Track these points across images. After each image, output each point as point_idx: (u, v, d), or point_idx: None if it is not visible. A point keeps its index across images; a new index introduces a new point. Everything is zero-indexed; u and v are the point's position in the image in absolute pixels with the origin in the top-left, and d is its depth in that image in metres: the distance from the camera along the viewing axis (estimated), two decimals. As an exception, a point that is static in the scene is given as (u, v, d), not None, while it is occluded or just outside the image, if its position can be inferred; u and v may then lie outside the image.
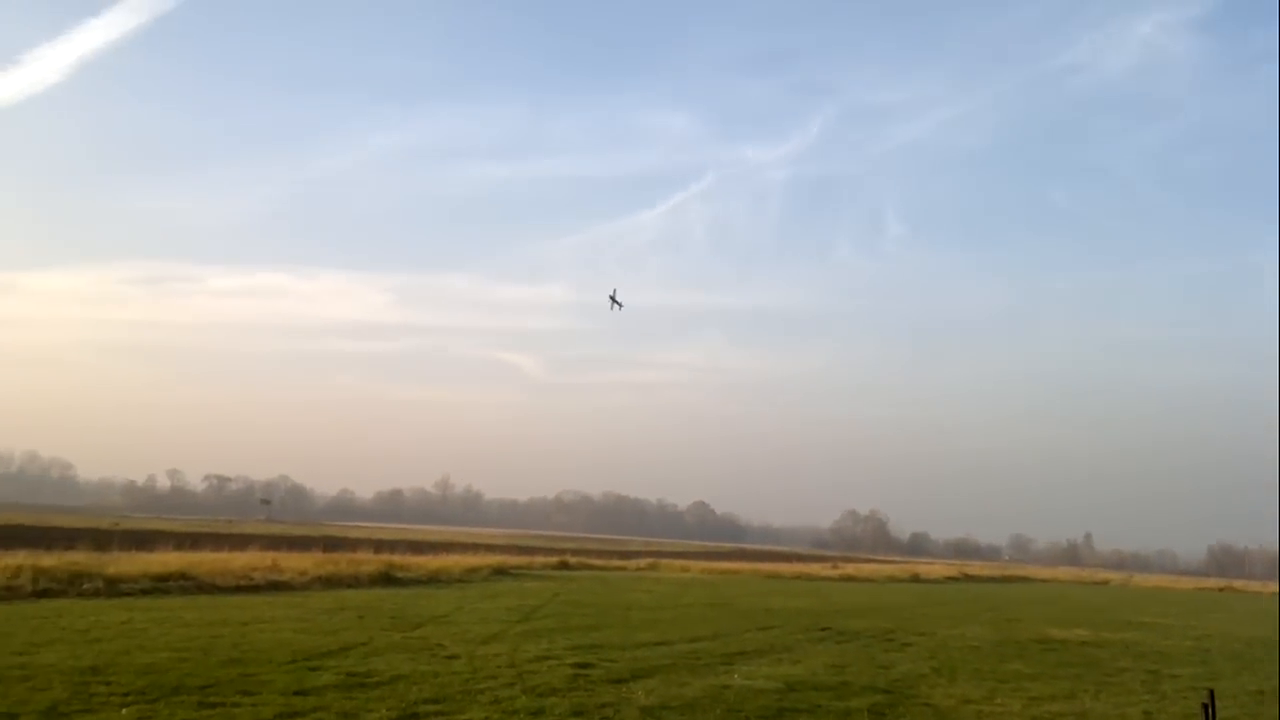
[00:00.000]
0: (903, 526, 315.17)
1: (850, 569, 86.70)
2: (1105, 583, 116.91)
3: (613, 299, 51.77)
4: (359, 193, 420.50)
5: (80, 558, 34.09)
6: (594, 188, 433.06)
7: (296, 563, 40.14)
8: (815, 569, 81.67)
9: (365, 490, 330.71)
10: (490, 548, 72.56)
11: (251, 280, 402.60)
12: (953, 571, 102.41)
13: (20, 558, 31.66)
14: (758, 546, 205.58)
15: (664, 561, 74.85)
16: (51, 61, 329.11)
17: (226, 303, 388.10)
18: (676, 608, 36.69)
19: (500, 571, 51.15)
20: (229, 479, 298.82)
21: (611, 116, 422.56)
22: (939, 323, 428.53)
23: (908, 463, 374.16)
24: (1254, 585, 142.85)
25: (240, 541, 54.25)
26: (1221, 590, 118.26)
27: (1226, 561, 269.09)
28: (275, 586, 35.14)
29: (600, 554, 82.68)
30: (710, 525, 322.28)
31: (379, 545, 57.83)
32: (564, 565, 60.65)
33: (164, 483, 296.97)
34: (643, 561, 73.29)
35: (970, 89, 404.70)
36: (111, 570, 31.84)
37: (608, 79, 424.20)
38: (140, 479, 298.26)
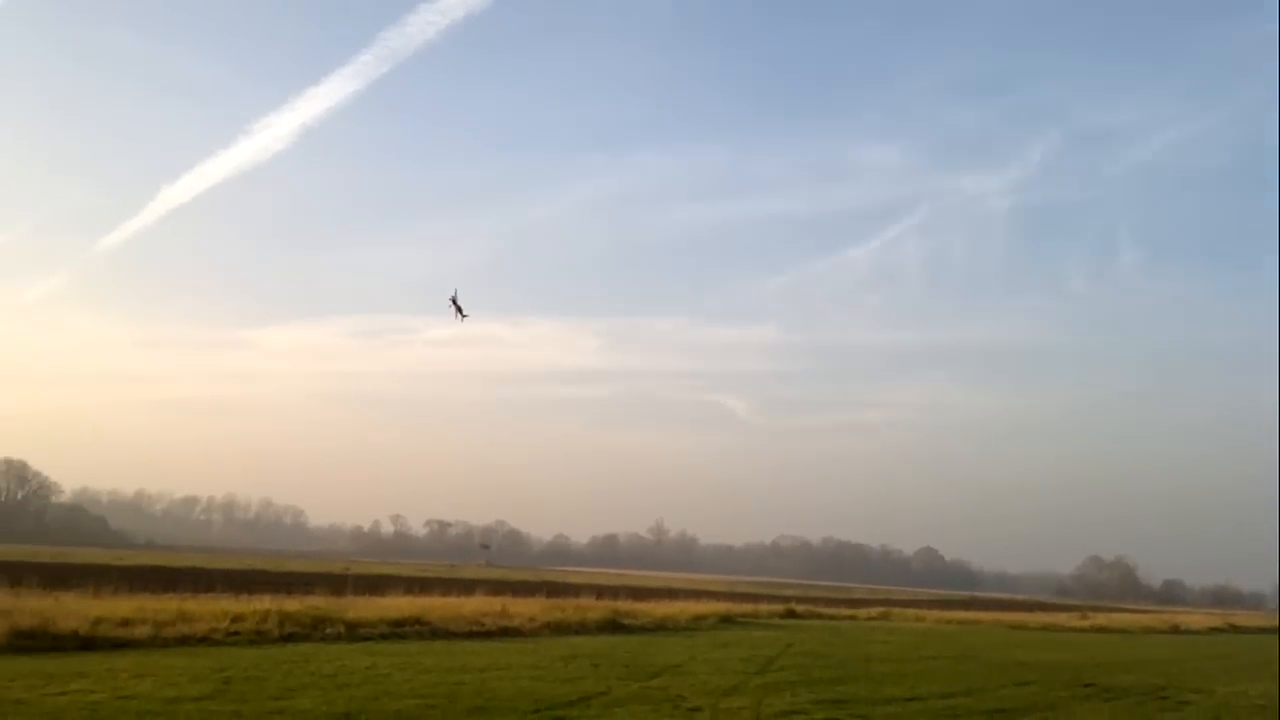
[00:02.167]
0: (1153, 573, 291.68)
1: (1101, 619, 80.00)
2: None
3: (454, 304, 44.85)
4: (568, 240, 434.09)
5: (320, 602, 35.05)
6: (802, 225, 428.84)
7: (524, 609, 40.05)
8: (1062, 619, 75.82)
9: (580, 535, 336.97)
10: (712, 594, 71.15)
11: (466, 330, 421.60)
12: (1217, 621, 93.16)
13: (266, 603, 32.78)
14: (993, 595, 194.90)
15: (896, 610, 71.20)
16: (278, 130, 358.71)
17: (443, 352, 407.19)
18: (920, 660, 34.13)
19: (727, 619, 49.60)
20: (449, 524, 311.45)
21: (819, 152, 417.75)
22: (1183, 353, 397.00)
23: (1156, 504, 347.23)
24: None
25: (465, 586, 55.16)
26: None
27: None
28: (506, 632, 34.98)
29: (827, 601, 79.71)
30: (939, 572, 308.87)
31: (600, 591, 57.52)
32: (791, 613, 58.41)
33: (388, 528, 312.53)
34: (873, 610, 69.94)
35: (1207, 105, 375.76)
36: (350, 615, 32.45)
37: (814, 114, 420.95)
38: (366, 524, 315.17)
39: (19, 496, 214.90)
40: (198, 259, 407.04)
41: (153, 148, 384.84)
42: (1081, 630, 66.94)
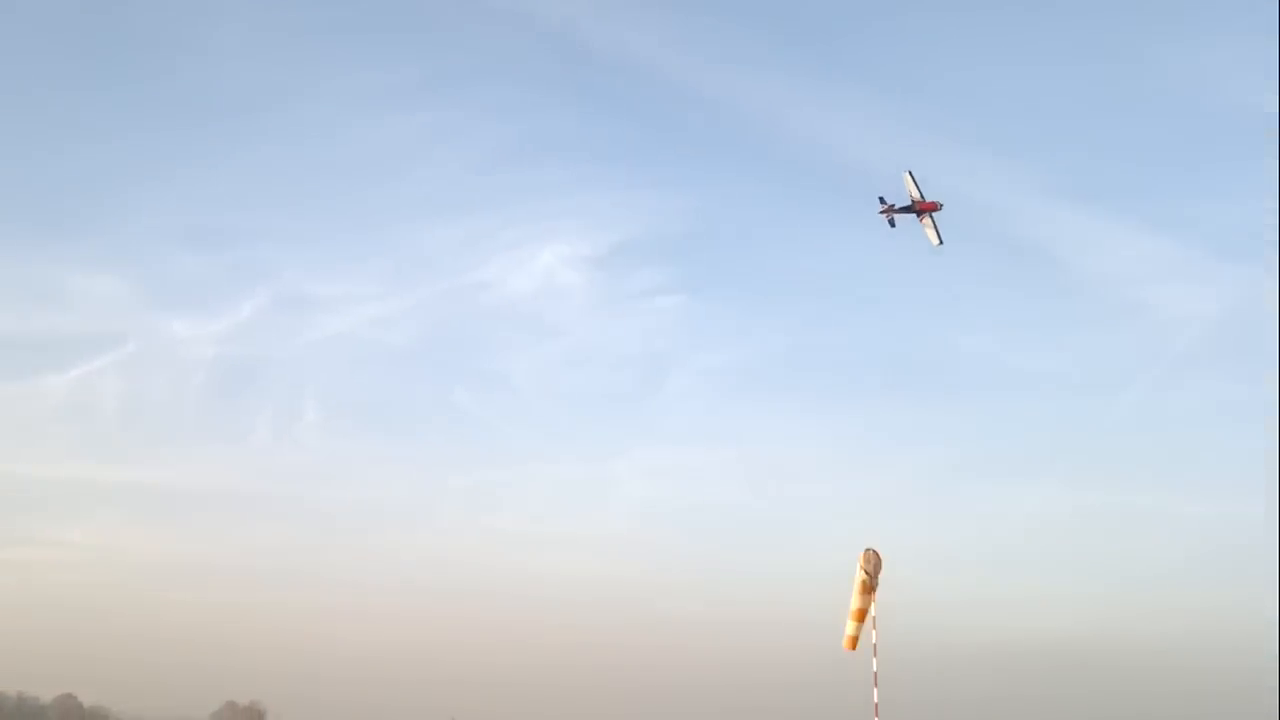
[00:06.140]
0: (282, 717, 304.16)
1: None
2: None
3: None
4: None
5: None
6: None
7: None
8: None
9: None
10: None
11: None
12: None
13: None
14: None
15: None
16: None
17: None
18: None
19: None
20: None
21: (30, 272, 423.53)
22: (351, 510, 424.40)
23: (294, 652, 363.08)
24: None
25: None
26: None
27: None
28: None
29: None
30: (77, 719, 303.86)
31: None
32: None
33: None
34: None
35: (399, 290, 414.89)
36: None
37: (34, 232, 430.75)
38: None
39: None
40: None
41: None
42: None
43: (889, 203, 50.06)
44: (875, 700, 18.87)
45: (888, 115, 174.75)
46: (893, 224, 49.66)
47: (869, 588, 19.11)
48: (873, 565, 19.12)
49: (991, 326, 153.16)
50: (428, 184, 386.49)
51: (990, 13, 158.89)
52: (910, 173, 50.18)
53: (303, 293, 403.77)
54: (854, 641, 19.21)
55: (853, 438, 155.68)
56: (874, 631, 19.10)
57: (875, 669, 19.04)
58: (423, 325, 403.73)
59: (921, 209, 50.07)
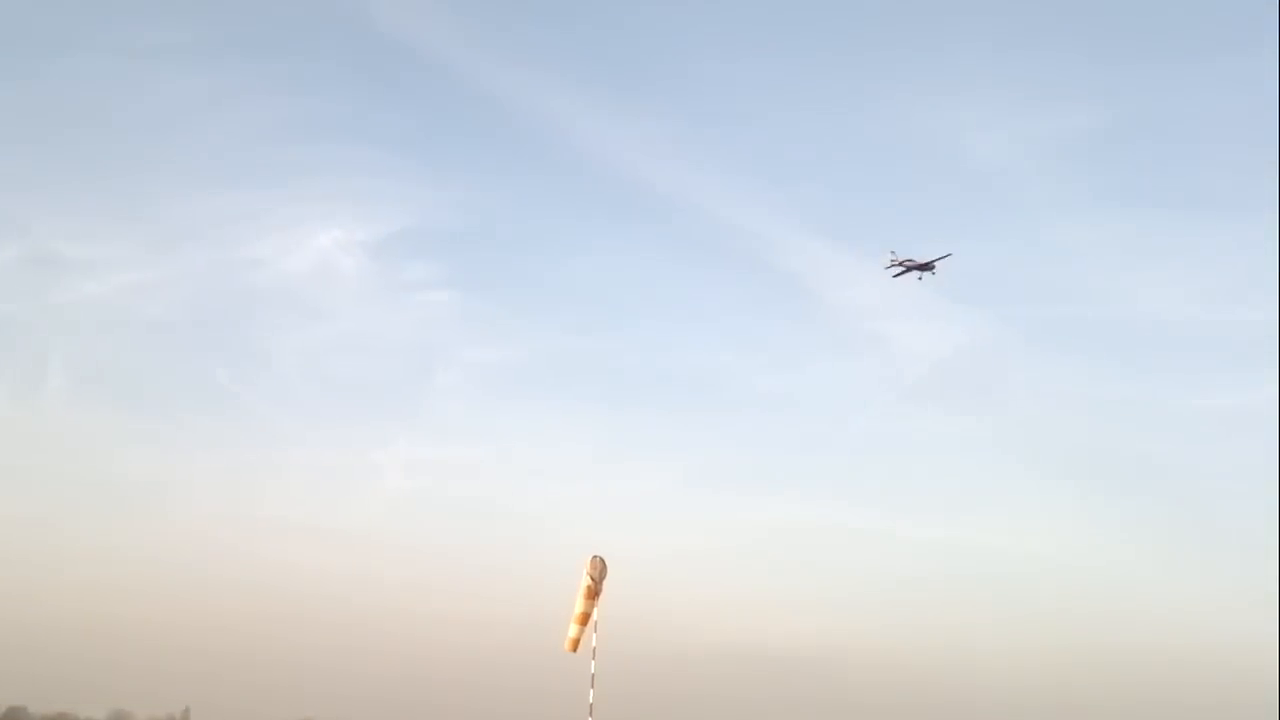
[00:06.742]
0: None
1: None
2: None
3: None
4: None
5: None
6: None
7: None
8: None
9: None
10: None
11: None
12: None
13: None
14: None
15: None
16: None
17: None
18: None
19: None
20: None
21: None
22: (95, 485, 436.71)
23: (25, 629, 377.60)
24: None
25: None
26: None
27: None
28: None
29: None
30: None
31: None
32: None
33: None
34: None
35: (162, 260, 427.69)
36: None
37: None
38: None
39: None
40: None
41: None
42: None
43: (898, 259, 55.55)
44: (590, 700, 19.78)
45: (669, 137, 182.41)
46: (906, 271, 55.90)
47: (593, 593, 20.10)
48: (598, 571, 20.12)
49: (742, 347, 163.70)
50: (200, 152, 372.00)
51: (777, 59, 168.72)
52: (893, 251, 57.33)
53: (54, 252, 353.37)
54: (576, 644, 20.14)
55: (605, 444, 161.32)
56: (594, 635, 20.07)
57: (594, 670, 19.99)
58: (185, 298, 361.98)
59: (923, 267, 57.02)
